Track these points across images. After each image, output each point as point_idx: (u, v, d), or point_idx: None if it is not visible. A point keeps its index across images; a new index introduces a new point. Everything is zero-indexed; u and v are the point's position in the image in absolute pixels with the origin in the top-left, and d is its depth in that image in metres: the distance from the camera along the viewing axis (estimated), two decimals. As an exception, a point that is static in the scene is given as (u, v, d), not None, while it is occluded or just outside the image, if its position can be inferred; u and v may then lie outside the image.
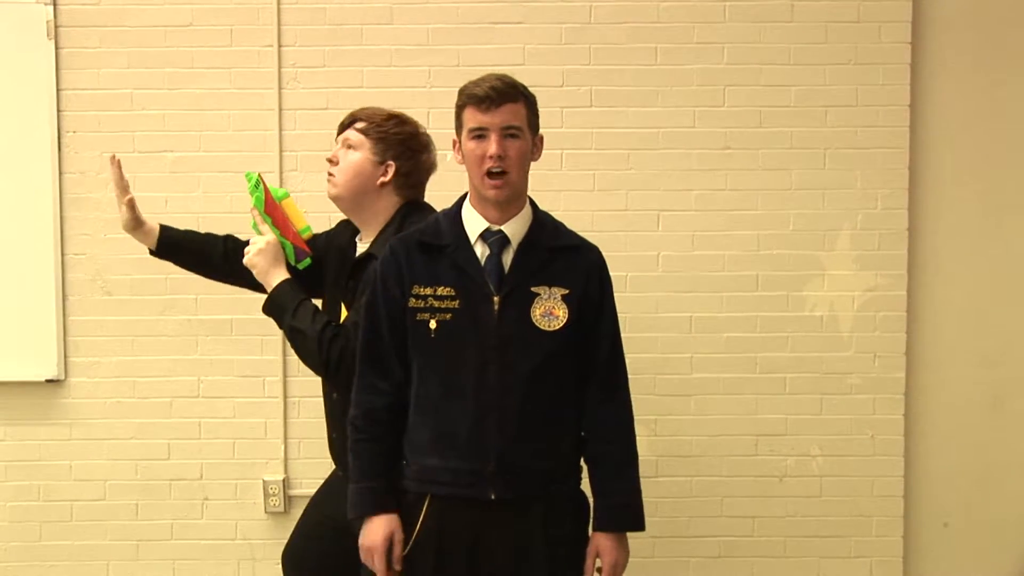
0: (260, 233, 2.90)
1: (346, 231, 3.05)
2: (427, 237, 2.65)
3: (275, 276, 2.84)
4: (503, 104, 2.52)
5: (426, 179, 3.00)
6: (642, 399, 3.94)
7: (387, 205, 2.88)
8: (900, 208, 4.05)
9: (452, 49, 4.03)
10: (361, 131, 2.89)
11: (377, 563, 2.62)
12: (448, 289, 2.58)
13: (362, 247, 2.90)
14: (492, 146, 2.52)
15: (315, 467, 4.10)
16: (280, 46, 4.05)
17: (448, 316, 2.57)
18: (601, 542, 2.65)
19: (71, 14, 4.03)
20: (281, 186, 4.01)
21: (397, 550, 2.62)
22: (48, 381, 4.05)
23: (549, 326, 2.58)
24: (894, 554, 4.12)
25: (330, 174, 2.89)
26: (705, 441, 4.10)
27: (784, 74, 4.03)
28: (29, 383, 4.05)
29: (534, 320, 2.58)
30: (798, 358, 4.07)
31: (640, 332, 3.92)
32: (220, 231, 3.99)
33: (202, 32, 4.05)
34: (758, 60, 4.04)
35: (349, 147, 2.89)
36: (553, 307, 2.59)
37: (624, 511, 2.68)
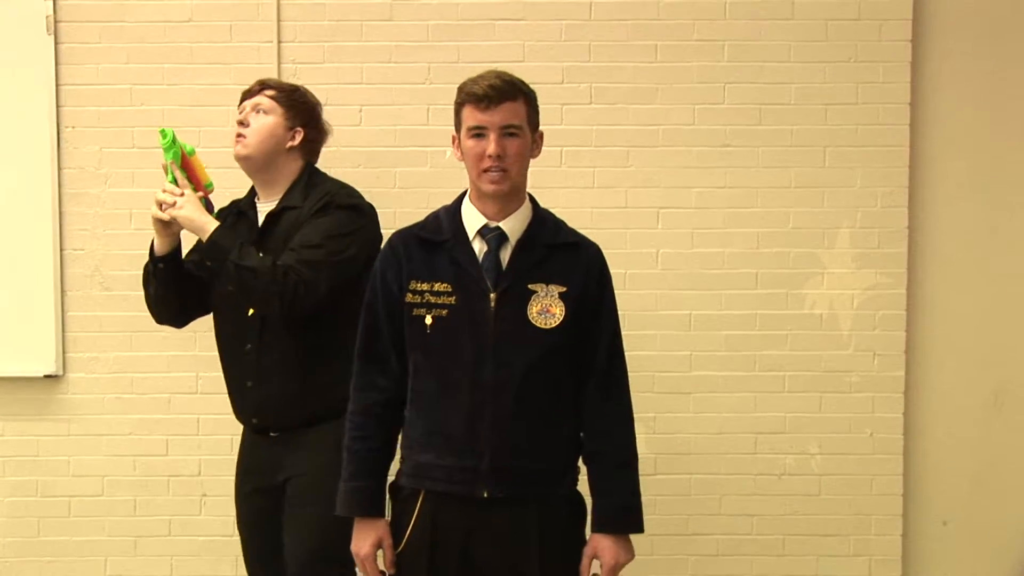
0: (179, 186, 3.00)
1: (230, 205, 3.25)
2: (426, 232, 2.65)
3: (208, 223, 2.94)
4: (502, 103, 2.52)
5: (321, 147, 3.28)
6: (641, 397, 3.93)
7: (293, 168, 3.13)
8: (900, 206, 4.04)
9: (452, 46, 4.02)
10: (273, 98, 3.11)
11: (368, 570, 2.63)
12: (445, 285, 2.58)
13: (266, 205, 3.10)
14: (491, 145, 2.52)
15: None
16: (280, 42, 4.04)
17: (444, 312, 2.57)
18: (600, 543, 2.64)
19: (70, 9, 4.02)
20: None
21: (388, 555, 2.62)
22: (46, 377, 4.04)
23: (545, 324, 2.58)
24: (893, 553, 4.12)
25: (240, 135, 3.08)
26: (704, 439, 4.10)
27: (784, 72, 4.03)
28: (27, 379, 4.04)
29: (530, 317, 2.57)
30: (797, 356, 4.07)
31: (639, 329, 3.91)
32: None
33: (202, 28, 4.05)
34: (758, 57, 4.03)
35: (261, 111, 3.09)
36: (550, 305, 2.58)
37: (623, 512, 2.67)
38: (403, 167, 4.04)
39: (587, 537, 2.69)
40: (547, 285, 2.59)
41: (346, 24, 4.04)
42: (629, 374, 2.75)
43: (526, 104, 2.58)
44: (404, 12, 4.04)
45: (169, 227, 3.01)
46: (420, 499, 2.60)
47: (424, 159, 4.02)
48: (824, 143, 4.03)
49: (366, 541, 2.63)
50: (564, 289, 2.60)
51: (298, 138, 3.14)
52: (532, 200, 2.69)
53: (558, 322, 2.58)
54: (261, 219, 3.09)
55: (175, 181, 3.00)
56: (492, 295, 2.56)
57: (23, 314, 4.04)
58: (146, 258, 3.12)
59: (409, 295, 2.60)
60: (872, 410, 4.07)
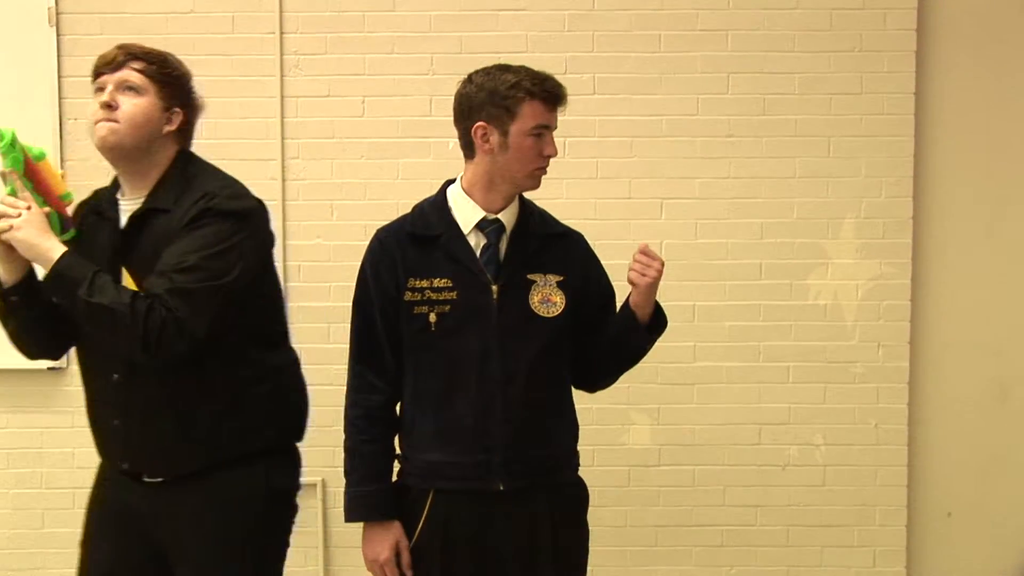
0: (20, 200, 2.42)
1: (91, 200, 2.65)
2: (417, 228, 2.61)
3: (52, 248, 2.36)
4: (561, 105, 2.56)
5: (195, 128, 2.68)
6: (644, 388, 3.97)
7: (167, 155, 2.54)
8: (905, 196, 4.03)
9: (454, 36, 4.01)
10: (143, 72, 2.49)
11: (389, 574, 2.60)
12: (445, 280, 2.55)
13: (131, 203, 2.51)
14: (549, 146, 2.55)
15: (317, 455, 4.08)
16: (282, 33, 4.03)
17: (447, 308, 2.54)
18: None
19: (72, 1, 4.02)
20: (284, 174, 4.01)
21: (405, 556, 2.60)
22: (50, 369, 4.05)
23: (548, 312, 2.58)
24: (897, 544, 4.11)
25: (110, 119, 2.45)
26: (708, 430, 4.09)
27: (788, 61, 4.01)
28: (31, 371, 4.03)
29: (533, 307, 2.57)
30: (801, 347, 4.06)
31: (643, 321, 3.90)
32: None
33: (203, 19, 4.04)
34: (762, 47, 4.02)
35: (130, 90, 2.48)
36: (550, 294, 2.58)
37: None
38: (406, 158, 4.03)
39: (587, 523, 2.71)
40: (545, 275, 2.59)
41: (348, 15, 4.03)
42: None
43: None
44: (406, 2, 4.03)
45: (13, 250, 2.40)
46: (430, 498, 2.58)
47: (427, 150, 4.01)
48: (828, 133, 4.02)
49: (384, 545, 2.59)
50: (561, 278, 2.60)
51: (176, 121, 2.54)
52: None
53: (559, 310, 2.58)
54: (124, 219, 2.50)
55: (15, 193, 2.42)
56: (494, 287, 2.55)
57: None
58: None
59: (409, 293, 2.56)
60: (876, 401, 4.06)
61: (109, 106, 2.45)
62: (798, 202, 4.04)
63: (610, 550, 4.02)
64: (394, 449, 2.66)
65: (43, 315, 2.48)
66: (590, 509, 2.73)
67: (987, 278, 4.10)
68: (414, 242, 2.60)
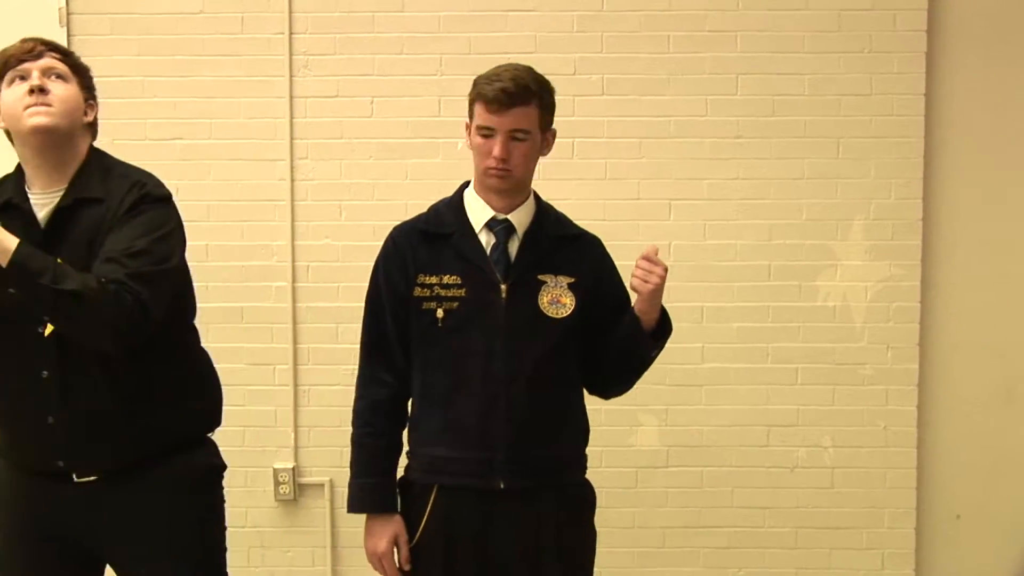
0: None
1: None
2: (429, 226, 2.64)
3: (6, 238, 2.25)
4: (513, 107, 2.49)
5: None
6: (652, 389, 3.96)
7: (84, 147, 2.50)
8: (915, 198, 4.02)
9: (463, 37, 4.01)
10: (64, 62, 2.48)
11: (387, 568, 2.62)
12: (454, 278, 2.57)
13: (47, 196, 2.44)
14: (497, 147, 2.51)
15: (325, 455, 4.11)
16: (291, 33, 4.03)
17: (455, 305, 2.56)
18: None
19: (83, 2, 4.02)
20: (293, 175, 4.01)
21: (404, 551, 2.61)
22: None
23: (556, 314, 2.58)
24: (906, 546, 4.10)
25: (43, 103, 2.39)
26: (716, 431, 4.09)
27: (797, 62, 4.00)
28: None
29: (542, 308, 2.57)
30: (810, 348, 4.05)
31: (651, 322, 3.90)
32: (232, 218, 4.03)
33: (213, 19, 4.04)
34: (771, 48, 4.01)
35: (58, 77, 2.45)
36: (560, 295, 2.58)
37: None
38: (415, 159, 4.03)
39: (595, 526, 2.70)
40: (555, 276, 2.59)
41: (357, 15, 4.03)
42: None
43: (539, 107, 2.54)
44: (416, 3, 4.03)
45: None
46: (433, 494, 2.59)
47: (436, 151, 4.01)
48: (838, 134, 4.01)
49: (383, 538, 2.61)
50: (573, 280, 2.60)
51: (92, 113, 2.53)
52: (534, 193, 2.69)
53: (568, 312, 2.58)
54: (41, 214, 2.42)
55: None
56: (503, 286, 2.56)
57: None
58: None
59: (418, 289, 2.59)
60: (885, 403, 4.05)
61: (42, 90, 2.39)
62: (807, 203, 4.03)
63: (618, 551, 4.01)
64: (400, 445, 2.67)
65: None
66: (597, 510, 2.72)
67: (997, 280, 4.08)
68: (426, 239, 2.62)
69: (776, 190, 4.03)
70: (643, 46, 4.02)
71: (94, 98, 2.55)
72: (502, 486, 2.54)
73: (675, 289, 4.02)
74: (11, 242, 2.24)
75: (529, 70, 2.56)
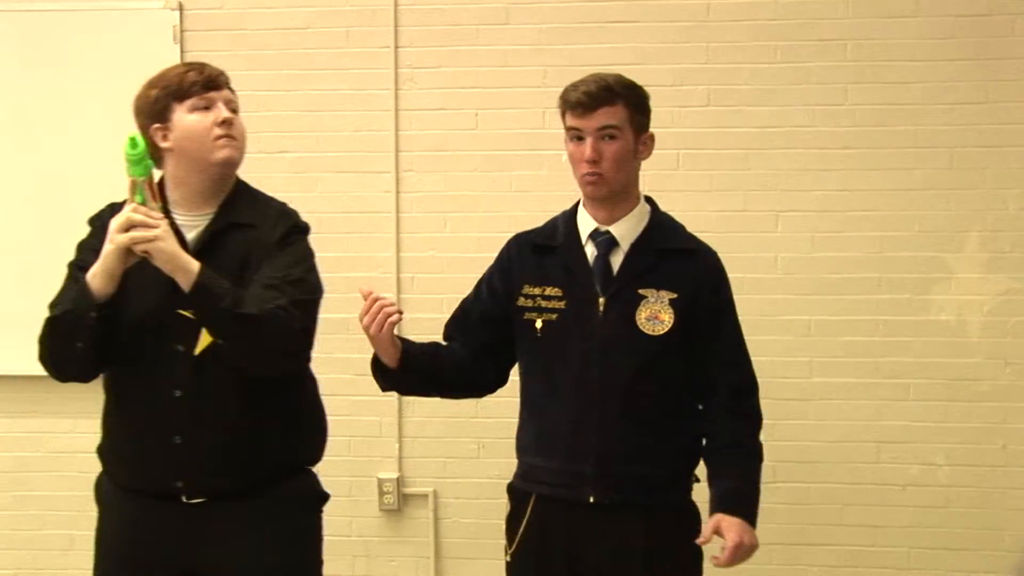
0: (149, 207, 2.35)
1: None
2: (540, 238, 2.68)
3: (190, 260, 2.33)
4: (597, 108, 2.51)
5: None
6: (760, 404, 3.89)
7: (233, 177, 2.56)
8: (1035, 209, 3.90)
9: (566, 49, 4.01)
10: (233, 95, 2.55)
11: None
12: (556, 289, 2.59)
13: (194, 219, 2.48)
14: (587, 150, 2.52)
15: (429, 465, 4.13)
16: (396, 47, 4.08)
17: (554, 316, 2.58)
18: (723, 520, 2.54)
19: (196, 19, 4.13)
20: (398, 187, 4.05)
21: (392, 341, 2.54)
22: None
23: (653, 330, 2.54)
24: (1025, 569, 3.97)
25: (231, 136, 2.47)
26: (824, 447, 4.01)
27: (909, 71, 3.91)
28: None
29: (638, 323, 2.55)
30: (923, 363, 3.95)
31: (757, 335, 3.79)
32: (338, 230, 4.07)
33: (320, 34, 4.11)
34: (881, 57, 3.93)
35: (234, 111, 2.52)
36: (659, 311, 2.55)
37: (739, 495, 2.59)
38: (519, 171, 4.05)
39: (700, 547, 2.65)
40: (658, 291, 2.56)
41: (462, 28, 4.06)
42: (749, 381, 2.70)
43: (626, 107, 2.54)
44: (519, 16, 4.04)
45: (126, 261, 2.34)
46: (531, 502, 2.61)
47: (540, 163, 4.02)
48: (951, 144, 3.90)
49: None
50: (675, 295, 2.56)
51: None
52: (652, 204, 2.67)
53: (666, 329, 2.54)
54: (189, 235, 2.45)
55: (145, 202, 2.35)
56: (601, 300, 2.55)
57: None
58: None
59: (521, 299, 2.62)
60: (1004, 420, 3.92)
61: (229, 123, 2.46)
62: (919, 215, 3.93)
63: (723, 569, 3.94)
64: (442, 352, 2.69)
65: (101, 335, 2.37)
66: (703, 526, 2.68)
67: (1121, 293, 3.93)
68: (535, 250, 2.66)
69: (887, 201, 3.94)
70: (749, 56, 3.97)
71: None
72: (592, 500, 2.53)
73: (782, 302, 3.99)
74: (194, 264, 2.32)
75: (615, 75, 2.58)
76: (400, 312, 2.51)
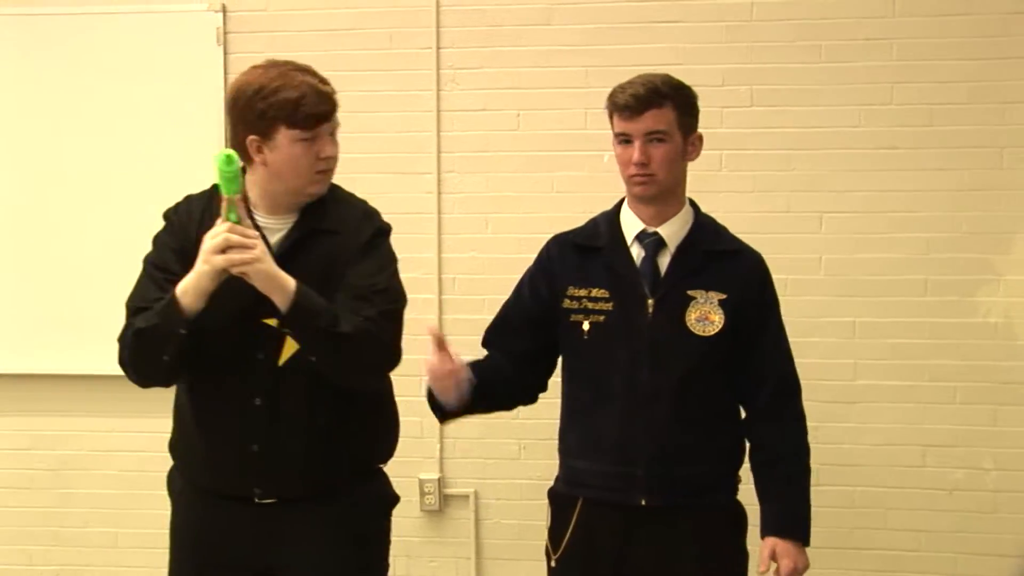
0: (244, 226, 2.30)
1: (199, 212, 2.50)
2: (582, 239, 2.67)
3: (288, 278, 2.29)
4: (645, 111, 2.50)
5: None
6: (803, 406, 3.85)
7: None
8: (1085, 209, 3.83)
9: (609, 49, 3.99)
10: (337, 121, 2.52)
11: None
12: (602, 291, 2.57)
13: (277, 222, 2.43)
14: (635, 153, 2.51)
15: (470, 467, 4.13)
16: (439, 48, 4.08)
17: (601, 318, 2.56)
18: (778, 546, 2.56)
19: (239, 21, 4.16)
20: (440, 188, 4.05)
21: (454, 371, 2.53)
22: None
23: (704, 331, 2.53)
24: (1076, 576, 3.91)
25: (328, 171, 2.47)
26: (868, 450, 3.97)
27: (957, 69, 3.86)
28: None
29: (688, 324, 2.53)
30: (970, 366, 3.89)
31: (801, 337, 3.74)
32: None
33: (362, 35, 4.12)
34: (929, 56, 3.87)
35: (333, 132, 2.50)
36: (709, 312, 2.54)
37: (792, 518, 2.60)
38: (561, 172, 4.03)
39: (746, 547, 2.64)
40: (707, 292, 2.55)
41: (504, 29, 4.06)
42: (792, 382, 2.68)
43: (675, 109, 2.54)
44: (561, 16, 4.03)
45: (219, 279, 2.29)
46: (578, 507, 2.59)
47: (582, 163, 4.00)
48: (1001, 143, 3.85)
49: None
50: (724, 296, 2.55)
51: None
52: (694, 206, 2.66)
53: (717, 330, 2.53)
54: (272, 240, 2.41)
55: (239, 221, 2.29)
56: (649, 301, 2.53)
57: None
58: None
59: (567, 301, 2.60)
60: (1054, 424, 3.87)
61: (332, 158, 2.45)
62: (967, 216, 3.88)
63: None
64: (492, 378, 2.63)
65: (187, 348, 2.33)
66: (747, 529, 2.67)
67: None
68: (578, 251, 2.65)
69: (933, 202, 3.89)
70: (793, 56, 3.94)
71: None
72: (643, 503, 2.52)
73: (826, 304, 3.95)
74: (290, 284, 2.28)
75: (663, 75, 2.57)
76: (472, 379, 2.53)
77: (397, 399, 3.99)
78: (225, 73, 4.14)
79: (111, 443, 4.26)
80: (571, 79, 4.02)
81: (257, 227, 2.38)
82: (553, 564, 2.64)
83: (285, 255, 2.37)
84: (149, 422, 4.22)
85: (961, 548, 3.93)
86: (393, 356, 2.45)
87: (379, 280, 2.41)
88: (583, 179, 3.98)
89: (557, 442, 2.71)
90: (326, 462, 2.44)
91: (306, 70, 2.46)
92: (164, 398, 4.09)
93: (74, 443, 4.30)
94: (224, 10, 4.14)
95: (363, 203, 2.57)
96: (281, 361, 2.38)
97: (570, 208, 3.72)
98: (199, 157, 4.13)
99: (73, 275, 4.17)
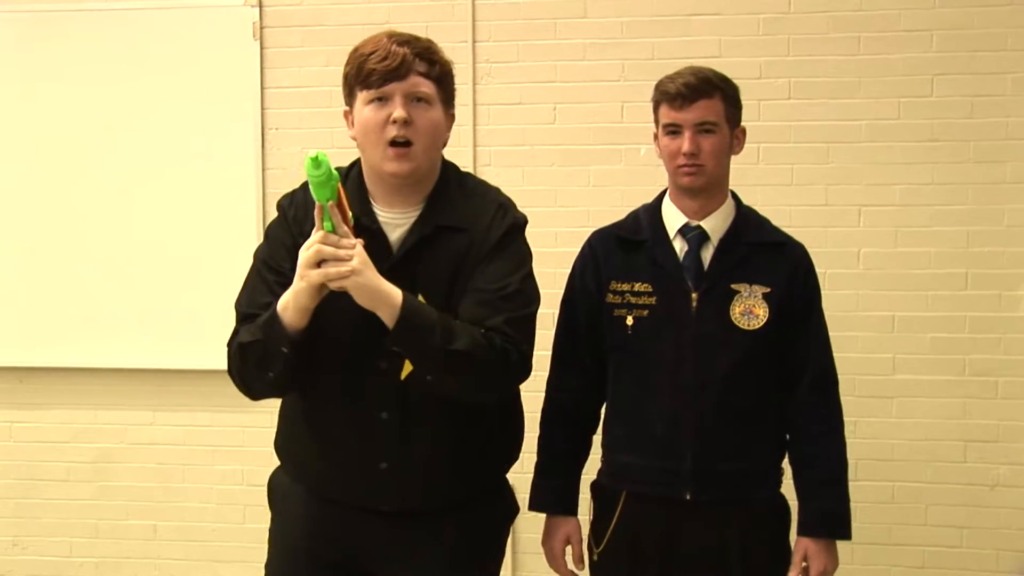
0: (339, 235, 2.08)
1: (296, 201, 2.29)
2: (625, 232, 2.65)
3: (392, 292, 2.07)
4: (696, 100, 2.49)
5: None
6: (841, 400, 3.82)
7: (439, 164, 2.28)
8: None
9: (646, 42, 3.98)
10: (434, 80, 2.19)
11: (557, 566, 2.66)
12: (645, 285, 2.56)
13: (398, 216, 2.22)
14: (685, 143, 2.49)
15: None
16: (474, 42, 4.08)
17: (645, 312, 2.55)
18: (809, 547, 2.57)
19: (275, 15, 4.17)
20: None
21: (575, 550, 2.64)
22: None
23: (748, 325, 2.52)
24: (1121, 574, 3.86)
25: (406, 143, 2.15)
26: (908, 445, 3.93)
27: (998, 61, 3.82)
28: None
29: (733, 318, 2.52)
30: (1012, 361, 3.85)
31: (839, 331, 3.70)
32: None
33: (399, 29, 4.10)
34: (970, 47, 3.83)
35: (423, 102, 2.17)
36: (753, 305, 2.52)
37: (831, 517, 2.59)
38: (597, 165, 4.02)
39: (791, 542, 2.63)
40: (751, 285, 2.54)
41: (540, 23, 4.05)
42: (831, 377, 2.66)
43: (723, 101, 2.54)
44: (598, 9, 4.02)
45: (320, 294, 2.09)
46: (621, 500, 2.59)
47: (618, 157, 3.99)
48: (1044, 135, 3.80)
49: (555, 539, 2.66)
50: (768, 290, 2.53)
51: (450, 126, 2.28)
52: (736, 198, 2.64)
53: (761, 323, 2.52)
54: (392, 236, 2.21)
55: (335, 229, 2.07)
56: (693, 295, 2.52)
57: (228, 309, 4.18)
58: None
59: (610, 295, 2.60)
60: (1098, 420, 3.81)
61: (405, 121, 2.14)
62: (1009, 208, 3.84)
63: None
64: (586, 448, 2.69)
65: (296, 363, 2.16)
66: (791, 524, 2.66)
67: None
68: (620, 246, 2.63)
69: (974, 195, 3.85)
70: (832, 48, 3.91)
71: (454, 106, 2.29)
72: (688, 497, 2.51)
73: (864, 298, 3.92)
74: (396, 297, 2.05)
75: (710, 69, 2.57)
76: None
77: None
78: (261, 68, 4.16)
79: (151, 436, 4.29)
80: (607, 72, 4.01)
81: (369, 227, 2.18)
82: (595, 557, 2.64)
83: (407, 255, 2.18)
84: (188, 415, 4.29)
85: (1003, 545, 3.89)
86: (520, 372, 2.21)
87: (509, 283, 2.18)
88: (620, 172, 3.97)
89: (601, 436, 2.70)
90: (455, 477, 2.28)
91: (401, 36, 2.23)
92: (202, 392, 4.23)
93: (114, 436, 4.33)
94: (261, 5, 4.16)
95: (496, 193, 2.34)
96: (403, 376, 2.19)
97: (607, 202, 3.73)
98: (236, 153, 4.18)
99: (114, 271, 4.20)
